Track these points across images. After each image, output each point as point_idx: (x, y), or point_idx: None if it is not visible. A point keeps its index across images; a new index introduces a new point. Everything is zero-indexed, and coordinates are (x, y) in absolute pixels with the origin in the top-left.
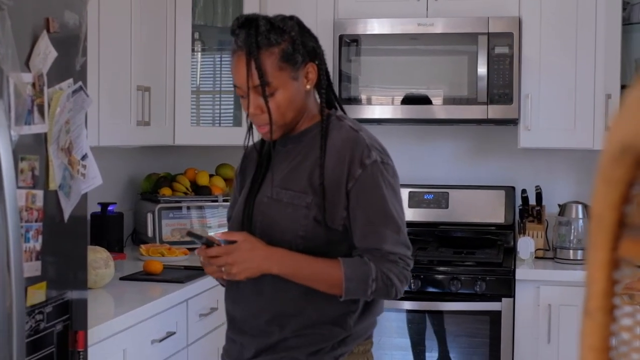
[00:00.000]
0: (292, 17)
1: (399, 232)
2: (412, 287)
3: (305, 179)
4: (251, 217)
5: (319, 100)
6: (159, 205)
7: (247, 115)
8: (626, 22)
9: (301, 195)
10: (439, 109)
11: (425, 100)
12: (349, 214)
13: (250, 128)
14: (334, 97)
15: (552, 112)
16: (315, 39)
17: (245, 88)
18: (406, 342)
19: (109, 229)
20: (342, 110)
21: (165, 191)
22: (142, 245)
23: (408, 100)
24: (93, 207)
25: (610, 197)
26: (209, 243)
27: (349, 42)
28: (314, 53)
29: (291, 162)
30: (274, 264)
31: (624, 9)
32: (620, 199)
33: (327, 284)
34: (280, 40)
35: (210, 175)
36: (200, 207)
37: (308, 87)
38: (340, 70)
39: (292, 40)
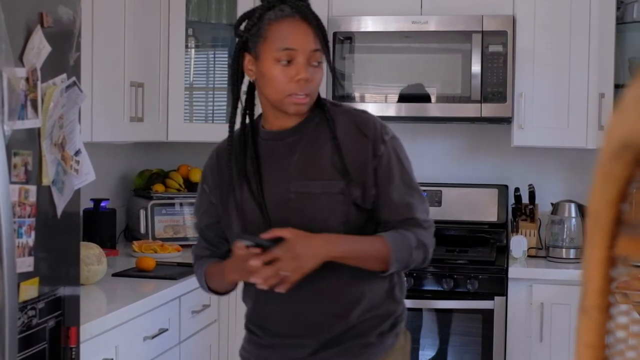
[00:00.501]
0: None
1: (423, 201)
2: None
3: (330, 166)
4: (270, 217)
5: None
6: (152, 202)
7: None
8: (620, 21)
9: (332, 183)
10: (432, 107)
11: (418, 98)
12: (378, 190)
13: (249, 114)
14: None
15: (545, 111)
16: None
17: (307, 51)
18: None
19: (102, 225)
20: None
21: (158, 187)
22: (134, 242)
23: (402, 98)
24: (86, 203)
25: (608, 194)
26: (265, 244)
27: (343, 40)
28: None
29: (301, 153)
30: (332, 248)
31: (618, 8)
32: (617, 197)
33: (376, 260)
34: (316, 16)
35: None
36: (193, 204)
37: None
38: (334, 68)
39: (319, 19)
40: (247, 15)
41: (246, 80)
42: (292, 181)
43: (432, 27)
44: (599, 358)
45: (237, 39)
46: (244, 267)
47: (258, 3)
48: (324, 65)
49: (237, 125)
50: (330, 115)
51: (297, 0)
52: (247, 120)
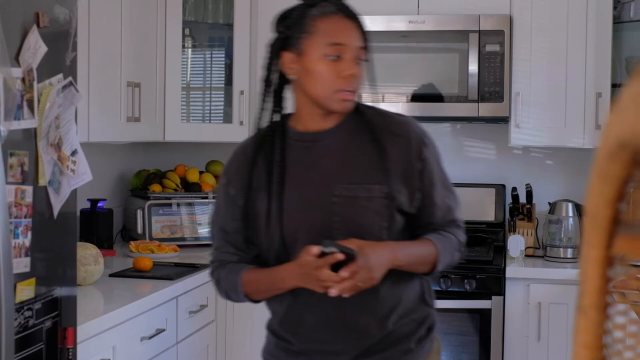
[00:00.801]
0: None
1: (458, 202)
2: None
3: (372, 170)
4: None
5: None
6: (149, 202)
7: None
8: (617, 21)
9: (375, 187)
10: (429, 107)
11: (415, 98)
12: (422, 194)
13: (276, 111)
14: None
15: (542, 110)
16: None
17: (354, 47)
18: None
19: (99, 225)
20: None
21: (155, 188)
22: (131, 242)
23: (398, 97)
24: (83, 204)
25: (605, 194)
26: (349, 252)
27: None
28: None
29: (341, 156)
30: (395, 257)
31: (614, 7)
32: (615, 196)
33: (426, 263)
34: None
35: (201, 172)
36: (190, 204)
37: None
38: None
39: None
40: (288, 12)
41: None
42: (334, 184)
43: (429, 26)
44: (596, 358)
45: (275, 37)
46: (314, 275)
47: (256, 3)
48: None
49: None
50: (368, 117)
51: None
52: (269, 120)
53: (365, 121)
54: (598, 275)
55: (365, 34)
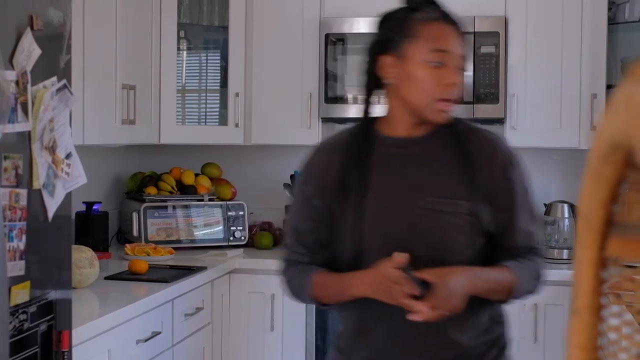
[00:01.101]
0: None
1: (538, 230)
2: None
3: (457, 184)
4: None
5: None
6: (145, 205)
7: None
8: (612, 22)
9: (460, 202)
10: None
11: None
12: (506, 215)
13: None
14: None
15: (537, 112)
16: None
17: (457, 55)
18: None
19: (94, 228)
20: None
21: (151, 190)
22: (127, 245)
23: None
24: (78, 206)
25: (598, 195)
26: (421, 286)
27: (335, 41)
28: None
29: (427, 166)
30: (474, 283)
31: (609, 9)
32: (608, 197)
33: (503, 292)
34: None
35: (196, 175)
36: (186, 207)
37: None
38: (326, 69)
39: None
40: (390, 15)
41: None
42: (419, 195)
43: None
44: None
45: (375, 39)
46: (391, 288)
47: (251, 5)
48: None
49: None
50: (459, 130)
51: (437, 6)
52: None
53: (456, 134)
54: (592, 277)
55: (465, 43)
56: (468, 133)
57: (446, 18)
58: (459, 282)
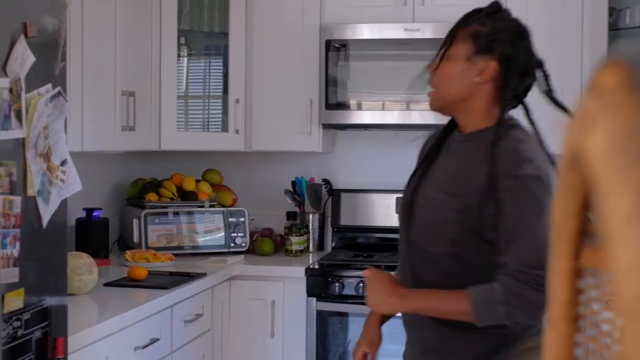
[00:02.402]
0: (518, 24)
1: (536, 250)
2: None
3: (462, 183)
4: (411, 214)
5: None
6: (145, 211)
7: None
8: (613, 28)
9: (452, 200)
10: (427, 114)
11: (414, 105)
12: (503, 229)
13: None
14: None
15: (539, 117)
16: (526, 53)
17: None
18: (395, 348)
19: (95, 234)
20: (535, 128)
21: (152, 197)
22: (127, 251)
23: (396, 105)
24: (78, 213)
25: (568, 205)
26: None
27: (338, 47)
28: (507, 58)
29: (454, 161)
30: (398, 302)
31: (610, 15)
32: (578, 207)
33: (457, 314)
34: (486, 22)
35: (197, 181)
36: (187, 213)
37: (477, 79)
38: (327, 76)
39: (494, 30)
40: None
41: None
42: (432, 186)
43: (425, 34)
44: None
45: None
46: None
47: (251, 12)
48: (467, 67)
49: None
50: (497, 137)
51: (479, 9)
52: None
53: (493, 145)
54: (566, 287)
55: (454, 33)
56: (502, 139)
57: None
58: (375, 291)
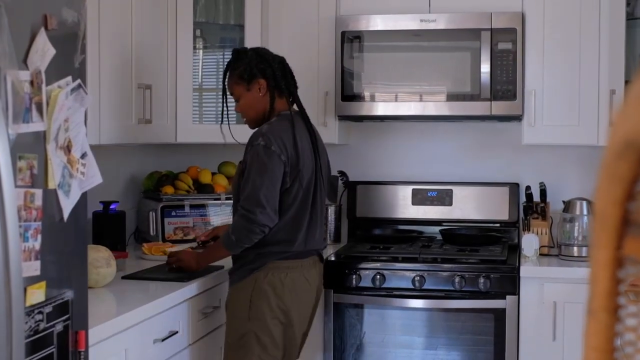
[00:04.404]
0: (253, 49)
1: (252, 194)
2: (417, 284)
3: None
4: None
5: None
6: (162, 204)
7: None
8: (630, 17)
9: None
10: (442, 106)
11: (428, 97)
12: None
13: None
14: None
15: (556, 108)
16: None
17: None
18: (410, 339)
19: (111, 227)
20: (298, 104)
21: (168, 189)
22: (144, 244)
23: (411, 96)
24: (95, 206)
25: (613, 194)
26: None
27: (352, 39)
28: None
29: None
30: (198, 261)
31: (628, 4)
32: (623, 196)
33: (221, 253)
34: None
35: (213, 173)
36: (203, 205)
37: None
38: (342, 67)
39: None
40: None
41: None
42: None
43: (440, 25)
44: None
45: None
46: None
47: (267, 4)
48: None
49: None
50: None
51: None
52: None
53: None
54: (607, 277)
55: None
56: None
57: None
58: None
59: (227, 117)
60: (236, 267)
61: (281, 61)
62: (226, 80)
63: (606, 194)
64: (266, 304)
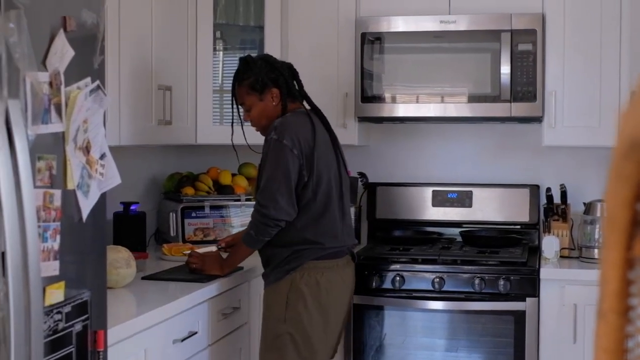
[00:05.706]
0: (261, 58)
1: (265, 189)
2: (436, 286)
3: None
4: None
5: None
6: (182, 205)
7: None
8: None
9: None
10: (462, 107)
11: (448, 99)
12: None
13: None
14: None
15: (576, 110)
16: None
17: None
18: (430, 341)
19: (132, 228)
20: (312, 105)
21: (188, 190)
22: (164, 245)
23: (431, 98)
24: (115, 207)
25: (622, 195)
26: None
27: (372, 40)
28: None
29: None
30: (222, 265)
31: None
32: (632, 197)
33: (246, 252)
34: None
35: (233, 175)
36: (223, 207)
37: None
38: (362, 68)
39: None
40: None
41: None
42: None
43: (460, 26)
44: None
45: None
46: None
47: (287, 5)
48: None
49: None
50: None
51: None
52: None
53: None
54: (617, 278)
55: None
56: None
57: None
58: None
59: (241, 121)
60: (271, 267)
61: (289, 67)
62: (235, 89)
63: (614, 195)
64: (302, 305)
